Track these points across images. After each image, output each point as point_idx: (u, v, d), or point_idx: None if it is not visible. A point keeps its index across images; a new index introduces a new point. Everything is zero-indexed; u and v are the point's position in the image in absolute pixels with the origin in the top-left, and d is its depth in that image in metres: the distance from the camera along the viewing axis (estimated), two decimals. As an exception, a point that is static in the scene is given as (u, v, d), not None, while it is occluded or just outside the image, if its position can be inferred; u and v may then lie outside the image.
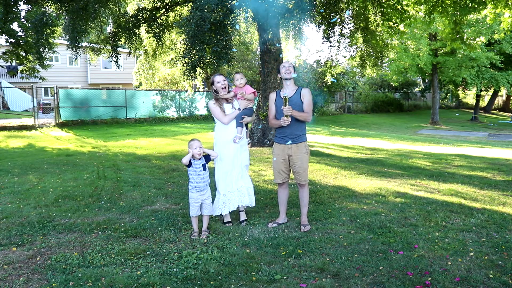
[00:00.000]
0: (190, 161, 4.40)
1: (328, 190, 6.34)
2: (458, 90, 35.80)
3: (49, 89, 27.19)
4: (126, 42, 13.30)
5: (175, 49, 13.99)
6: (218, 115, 4.75)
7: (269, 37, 11.21)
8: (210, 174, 4.64)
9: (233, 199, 4.77)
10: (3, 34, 12.62)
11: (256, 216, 5.06)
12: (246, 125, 4.97)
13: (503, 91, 37.95)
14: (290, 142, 4.59)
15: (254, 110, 5.13)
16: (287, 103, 4.43)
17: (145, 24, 12.95)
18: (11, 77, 26.03)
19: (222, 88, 4.75)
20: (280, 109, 4.60)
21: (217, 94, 4.79)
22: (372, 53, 13.70)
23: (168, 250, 3.97)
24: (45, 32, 11.59)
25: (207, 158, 4.49)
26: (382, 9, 11.37)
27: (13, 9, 11.92)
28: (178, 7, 13.22)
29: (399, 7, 10.99)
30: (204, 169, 4.42)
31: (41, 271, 3.49)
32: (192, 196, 4.45)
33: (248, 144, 5.14)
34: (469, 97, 44.53)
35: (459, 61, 26.03)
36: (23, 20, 12.72)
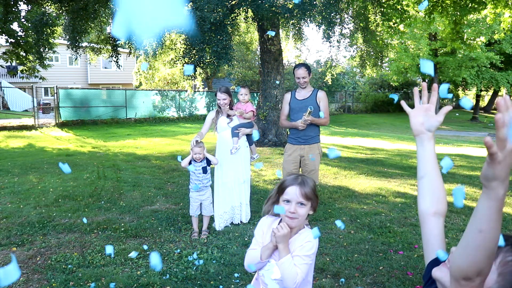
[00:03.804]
0: (190, 162, 4.41)
1: (328, 190, 6.35)
2: (458, 90, 35.77)
3: (49, 89, 27.19)
4: (126, 42, 13.30)
5: (175, 49, 13.99)
6: (205, 123, 4.77)
7: (269, 37, 11.20)
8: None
9: (227, 217, 4.75)
10: (3, 34, 12.61)
11: (256, 216, 5.06)
12: (249, 140, 4.89)
13: (503, 91, 37.91)
14: (313, 157, 4.51)
15: (254, 124, 5.02)
16: (310, 115, 4.38)
17: (145, 24, 12.94)
18: (11, 77, 26.01)
19: (222, 105, 4.74)
20: (295, 110, 4.57)
21: (219, 109, 4.82)
22: (372, 53, 13.71)
23: (168, 250, 3.97)
24: (45, 32, 11.59)
25: (209, 161, 4.48)
26: (382, 9, 11.36)
27: (13, 9, 11.92)
28: (178, 7, 13.20)
29: (399, 7, 10.99)
30: (204, 171, 4.42)
31: (41, 271, 3.49)
32: (191, 196, 4.47)
33: (254, 159, 5.01)
34: (469, 97, 44.54)
35: (459, 61, 26.03)
36: (23, 20, 12.71)
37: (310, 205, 1.77)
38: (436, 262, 1.15)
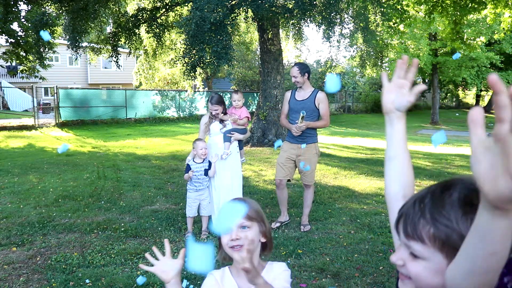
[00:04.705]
0: (189, 166, 4.38)
1: (328, 190, 6.35)
2: (458, 90, 35.78)
3: (49, 89, 27.18)
4: (126, 42, 13.31)
5: (175, 49, 13.99)
6: (200, 131, 4.71)
7: (269, 37, 11.21)
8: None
9: None
10: (3, 34, 12.60)
11: (256, 216, 5.06)
12: (240, 145, 4.85)
13: (503, 91, 37.94)
14: (304, 145, 4.44)
15: (248, 129, 4.96)
16: (303, 120, 4.31)
17: (145, 24, 12.95)
18: (11, 77, 26.01)
19: (215, 115, 4.67)
20: (293, 110, 4.52)
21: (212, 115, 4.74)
22: (372, 53, 13.71)
23: (168, 250, 3.97)
24: (45, 32, 11.57)
25: (210, 165, 4.46)
26: (382, 9, 11.36)
27: (13, 9, 11.91)
28: (178, 7, 13.22)
29: (399, 7, 10.99)
30: (206, 174, 4.42)
31: (41, 271, 3.49)
32: (190, 196, 4.45)
33: (242, 162, 4.99)
34: (469, 97, 44.53)
35: (459, 61, 26.02)
36: (23, 20, 12.71)
37: (258, 229, 1.47)
38: None
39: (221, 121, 4.69)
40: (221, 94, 24.90)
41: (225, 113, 4.69)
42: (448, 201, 0.81)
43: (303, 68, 4.48)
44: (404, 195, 1.09)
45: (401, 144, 1.13)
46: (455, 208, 0.79)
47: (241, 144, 4.92)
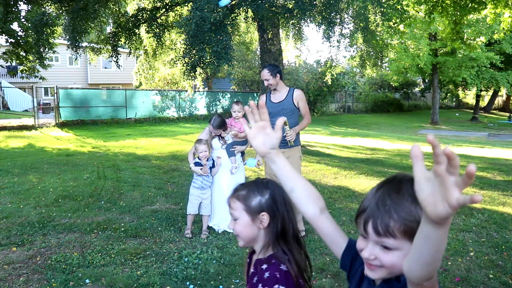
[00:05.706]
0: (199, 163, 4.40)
1: (328, 190, 6.34)
2: (458, 90, 35.74)
3: (49, 89, 27.16)
4: (126, 42, 13.30)
5: (175, 49, 13.99)
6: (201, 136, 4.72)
7: (269, 37, 11.22)
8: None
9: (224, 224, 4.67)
10: (3, 34, 12.59)
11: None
12: (242, 153, 4.87)
13: (503, 91, 37.90)
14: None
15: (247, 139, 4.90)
16: (287, 125, 4.10)
17: (145, 24, 12.95)
18: (11, 77, 26.01)
19: (216, 136, 4.68)
20: (272, 114, 4.39)
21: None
22: (372, 53, 13.70)
23: (168, 250, 3.97)
24: (45, 32, 11.58)
25: (214, 163, 4.47)
26: (382, 9, 11.36)
27: (13, 9, 11.91)
28: (178, 7, 13.22)
29: (399, 7, 10.98)
30: (210, 172, 4.44)
31: (41, 271, 3.49)
32: (193, 193, 4.45)
33: (245, 164, 5.01)
34: (469, 97, 44.49)
35: (459, 61, 26.00)
36: (23, 20, 12.70)
37: None
38: (348, 249, 1.23)
39: (221, 137, 4.69)
40: (221, 93, 24.93)
41: (225, 129, 4.68)
42: (406, 199, 0.96)
43: (273, 69, 4.27)
44: (320, 209, 1.20)
45: (292, 175, 1.21)
46: (414, 203, 0.94)
47: (243, 152, 4.95)
